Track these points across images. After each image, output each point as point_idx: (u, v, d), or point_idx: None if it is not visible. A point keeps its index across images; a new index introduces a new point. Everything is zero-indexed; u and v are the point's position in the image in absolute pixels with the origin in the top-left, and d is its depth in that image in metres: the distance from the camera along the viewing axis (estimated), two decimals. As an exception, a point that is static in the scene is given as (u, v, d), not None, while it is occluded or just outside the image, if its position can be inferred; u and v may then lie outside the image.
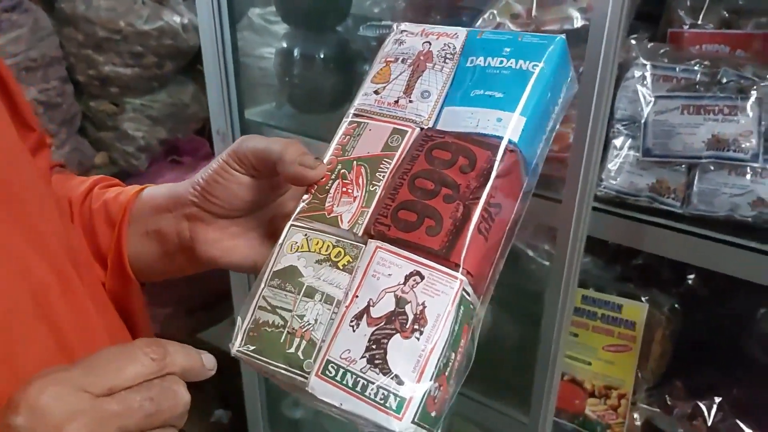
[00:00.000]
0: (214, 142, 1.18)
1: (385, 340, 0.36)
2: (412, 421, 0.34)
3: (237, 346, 0.42)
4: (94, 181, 0.58)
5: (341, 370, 0.36)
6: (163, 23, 1.67)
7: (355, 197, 0.42)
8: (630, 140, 0.77)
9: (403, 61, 0.46)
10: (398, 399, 0.34)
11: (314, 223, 0.43)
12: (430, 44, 0.46)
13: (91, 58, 1.67)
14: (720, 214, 0.73)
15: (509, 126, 0.40)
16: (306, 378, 0.38)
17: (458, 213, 0.38)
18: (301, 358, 0.38)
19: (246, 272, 0.61)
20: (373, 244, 0.40)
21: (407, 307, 0.36)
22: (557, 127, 0.45)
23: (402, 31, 0.48)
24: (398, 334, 0.36)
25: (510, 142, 0.40)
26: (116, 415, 0.32)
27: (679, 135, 0.72)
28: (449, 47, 0.45)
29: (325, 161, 0.45)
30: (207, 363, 0.38)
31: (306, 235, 0.42)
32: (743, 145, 0.70)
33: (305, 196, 0.44)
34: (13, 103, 0.50)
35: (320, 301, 0.39)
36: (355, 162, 0.44)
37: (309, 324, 0.39)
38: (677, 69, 0.73)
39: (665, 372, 0.93)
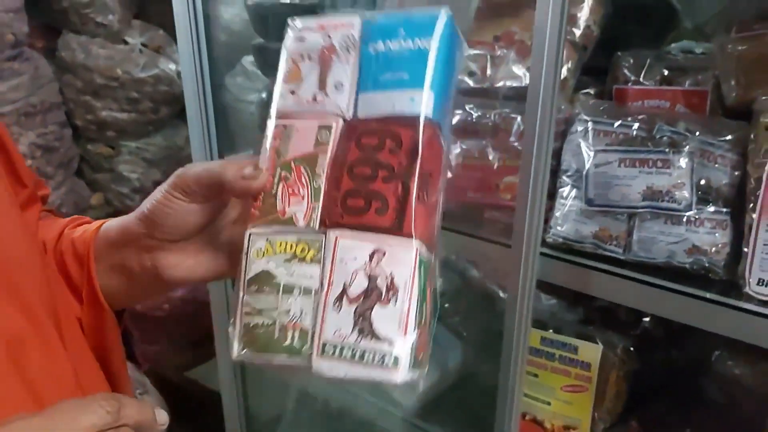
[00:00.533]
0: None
1: (369, 312, 0.41)
2: (408, 370, 0.40)
3: (236, 353, 0.45)
4: (66, 222, 0.61)
5: (338, 347, 0.41)
6: (158, 71, 1.75)
7: (303, 196, 0.45)
8: (575, 190, 0.81)
9: (309, 57, 0.48)
10: (393, 356, 0.40)
11: (273, 226, 0.46)
12: (330, 37, 0.48)
13: (89, 103, 1.74)
14: (659, 261, 0.77)
15: (422, 103, 0.44)
16: (309, 362, 0.42)
17: (399, 190, 0.42)
18: (298, 346, 0.42)
19: (215, 280, 0.63)
20: (332, 234, 0.43)
21: (378, 281, 0.41)
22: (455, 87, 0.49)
23: (300, 29, 0.50)
24: (377, 304, 0.41)
25: (426, 117, 0.44)
26: None
27: (618, 186, 0.77)
28: (349, 38, 0.48)
29: (263, 168, 0.47)
30: (159, 419, 0.41)
31: (267, 239, 0.45)
32: (677, 196, 0.74)
33: (255, 203, 0.47)
34: (9, 160, 0.54)
35: (300, 294, 0.43)
36: (292, 162, 0.46)
37: (296, 316, 0.42)
38: (615, 125, 0.78)
39: (621, 412, 0.96)
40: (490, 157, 0.89)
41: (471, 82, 0.94)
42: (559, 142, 0.85)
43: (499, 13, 0.94)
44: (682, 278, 0.78)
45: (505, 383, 0.91)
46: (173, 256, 0.52)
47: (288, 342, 0.42)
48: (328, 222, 0.44)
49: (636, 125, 0.78)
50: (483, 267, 1.08)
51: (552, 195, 0.84)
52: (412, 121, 0.44)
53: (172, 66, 1.76)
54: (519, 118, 0.84)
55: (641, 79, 0.86)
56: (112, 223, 0.56)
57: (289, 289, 0.43)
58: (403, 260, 0.41)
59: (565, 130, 0.84)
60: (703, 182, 0.75)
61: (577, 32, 0.87)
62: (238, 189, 0.47)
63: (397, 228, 0.42)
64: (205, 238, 0.52)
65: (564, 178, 0.82)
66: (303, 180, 0.46)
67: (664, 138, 0.76)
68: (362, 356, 0.40)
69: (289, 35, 0.50)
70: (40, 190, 0.61)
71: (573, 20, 0.87)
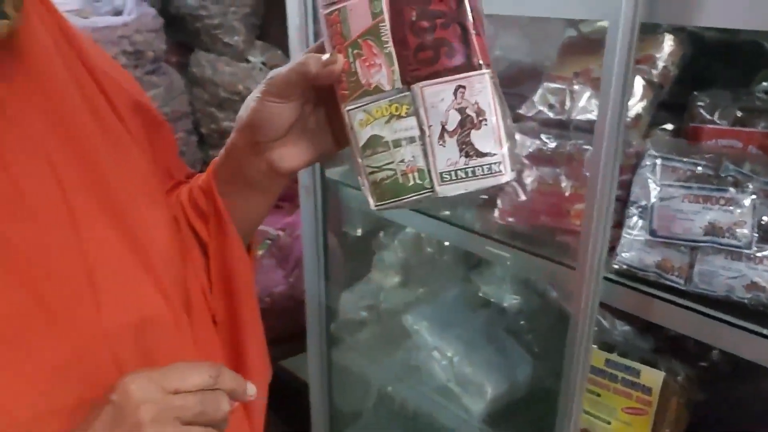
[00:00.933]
0: (300, 195, 1.37)
1: (468, 138, 0.49)
2: (511, 170, 0.49)
3: (373, 204, 0.55)
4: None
5: (453, 172, 0.51)
6: (274, 86, 1.93)
7: (380, 64, 0.51)
8: (641, 221, 0.86)
9: None
10: (498, 163, 0.49)
11: (364, 98, 0.52)
12: None
13: (213, 114, 1.95)
14: (719, 294, 0.80)
15: None
16: (433, 191, 0.52)
17: (458, 30, 0.49)
18: (421, 182, 0.52)
19: (320, 161, 0.68)
20: (416, 87, 0.50)
21: (467, 110, 0.49)
22: None
23: None
24: (473, 129, 0.49)
25: None
26: (176, 407, 0.44)
27: (681, 220, 0.81)
28: None
29: (336, 52, 0.52)
30: (248, 390, 0.51)
31: (364, 110, 0.52)
32: (737, 233, 0.77)
33: (341, 85, 0.54)
34: (163, 156, 0.64)
35: (407, 144, 0.52)
36: (359, 39, 0.51)
37: (411, 161, 0.52)
38: (683, 161, 0.82)
39: (681, 439, 0.98)
40: (563, 185, 0.96)
41: (550, 114, 1.01)
42: (630, 175, 0.90)
43: (581, 51, 1.01)
44: (741, 313, 0.80)
45: (565, 398, 0.97)
46: (279, 151, 0.58)
47: (411, 183, 0.52)
48: (409, 78, 0.51)
49: (703, 163, 0.82)
50: (559, 288, 1.13)
51: (620, 224, 0.89)
52: None
53: (286, 83, 1.93)
54: (590, 150, 0.89)
55: (715, 119, 0.89)
56: (219, 157, 0.62)
57: (397, 143, 0.52)
58: (482, 88, 0.49)
59: (636, 164, 0.89)
60: (764, 221, 0.77)
61: (655, 72, 0.91)
62: (324, 76, 0.52)
63: (468, 64, 0.49)
64: (298, 128, 0.57)
65: (632, 208, 0.87)
66: (374, 51, 0.51)
67: (729, 177, 0.79)
68: (474, 172, 0.50)
69: None
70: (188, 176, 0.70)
71: (651, 60, 0.91)
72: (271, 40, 2.03)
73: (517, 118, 1.07)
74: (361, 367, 1.51)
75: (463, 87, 0.49)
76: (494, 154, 0.49)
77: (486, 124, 0.49)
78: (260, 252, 1.94)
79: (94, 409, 0.44)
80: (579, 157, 0.93)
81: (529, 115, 1.04)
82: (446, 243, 1.42)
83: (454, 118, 0.50)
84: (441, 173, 0.51)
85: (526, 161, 0.98)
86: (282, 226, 1.93)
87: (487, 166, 0.49)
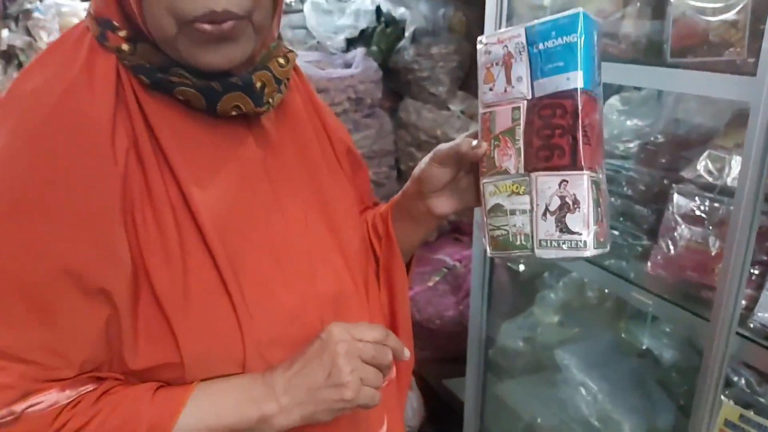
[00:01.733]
0: (474, 231, 1.56)
1: (563, 218, 0.65)
2: (593, 248, 0.64)
3: (489, 252, 0.73)
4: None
5: (548, 241, 0.66)
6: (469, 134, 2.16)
7: (510, 155, 0.69)
8: (781, 285, 0.91)
9: (496, 63, 0.70)
10: (583, 241, 0.64)
11: (495, 177, 0.70)
12: (507, 46, 0.69)
13: (413, 154, 2.23)
14: None
15: (576, 80, 0.64)
16: (532, 252, 0.68)
17: (570, 141, 0.64)
18: (525, 243, 0.68)
19: (467, 211, 0.88)
20: (533, 175, 0.67)
21: (567, 199, 0.65)
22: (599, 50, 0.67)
23: (485, 44, 0.72)
24: (568, 213, 0.64)
25: (579, 89, 0.64)
26: (359, 349, 0.64)
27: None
28: (519, 44, 0.68)
29: (483, 141, 0.72)
30: (405, 353, 0.71)
31: (494, 184, 0.71)
32: None
33: (482, 163, 0.72)
34: (361, 188, 0.88)
35: (520, 214, 0.69)
36: (500, 135, 0.70)
37: (520, 227, 0.68)
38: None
39: None
40: (711, 245, 1.04)
41: (709, 179, 1.09)
42: (777, 241, 0.96)
43: (745, 124, 1.08)
44: None
45: (694, 444, 1.03)
46: (436, 200, 0.79)
47: (518, 242, 0.69)
48: (529, 168, 0.68)
49: None
50: (696, 340, 1.18)
51: (760, 285, 0.96)
52: (570, 93, 0.65)
53: (479, 130, 2.15)
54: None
55: None
56: (396, 196, 0.85)
57: (513, 212, 0.70)
58: (580, 184, 0.64)
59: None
60: None
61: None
62: (471, 156, 0.72)
63: (573, 165, 0.65)
64: (452, 186, 0.78)
65: (772, 272, 0.93)
66: (508, 144, 0.70)
67: None
68: (564, 244, 0.66)
69: (480, 50, 0.72)
70: (377, 204, 0.94)
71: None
72: (473, 91, 2.26)
73: (679, 180, 1.16)
74: (512, 394, 1.64)
75: (566, 181, 0.65)
76: (581, 234, 0.64)
77: (578, 211, 0.64)
78: (436, 278, 2.16)
79: (306, 343, 0.65)
80: (728, 220, 1.01)
81: (689, 177, 1.13)
82: (606, 291, 1.51)
83: (555, 202, 0.66)
84: (540, 240, 0.67)
85: (605, 235, 1.06)
86: (459, 258, 2.13)
87: (575, 242, 0.64)
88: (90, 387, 0.59)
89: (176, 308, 0.59)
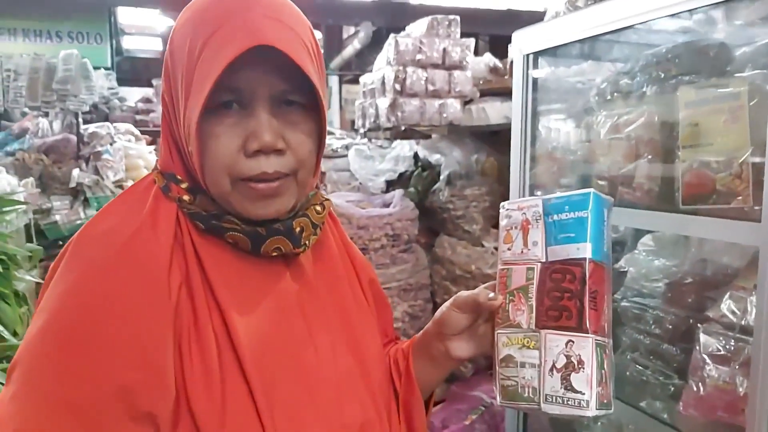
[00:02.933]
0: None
1: (569, 377, 0.68)
2: (595, 409, 0.67)
3: (498, 401, 0.75)
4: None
5: (554, 396, 0.69)
6: (501, 269, 2.23)
7: (523, 310, 0.74)
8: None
9: (515, 227, 0.77)
10: (585, 401, 0.67)
11: (509, 329, 0.75)
12: (525, 213, 0.76)
13: (448, 287, 2.30)
14: None
15: (585, 250, 0.71)
16: (539, 406, 0.71)
17: (577, 304, 0.70)
18: (532, 396, 0.71)
19: (482, 356, 0.87)
20: (543, 332, 0.71)
21: (572, 359, 0.69)
22: (609, 225, 0.74)
23: (507, 209, 0.79)
24: (573, 372, 0.68)
25: (588, 258, 0.70)
26: None
27: None
28: (536, 213, 0.75)
29: (499, 294, 0.77)
30: None
31: (507, 336, 0.75)
32: None
33: (497, 315, 0.77)
34: (384, 321, 0.93)
35: (529, 367, 0.72)
36: (515, 291, 0.75)
37: (529, 380, 0.71)
38: None
39: None
40: (738, 384, 1.05)
41: (733, 319, 1.13)
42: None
43: (760, 266, 1.13)
44: None
45: None
46: (455, 343, 0.81)
47: (526, 395, 0.73)
48: (539, 325, 0.73)
49: None
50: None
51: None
52: (580, 262, 0.71)
53: (512, 267, 2.21)
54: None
55: None
56: (418, 335, 0.88)
57: (522, 365, 0.73)
58: (585, 346, 0.69)
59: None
60: None
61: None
62: (486, 307, 0.77)
63: (579, 327, 0.70)
64: (470, 331, 0.81)
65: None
66: (522, 300, 0.75)
67: None
68: (568, 402, 0.69)
69: (502, 214, 0.80)
70: (397, 339, 0.98)
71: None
72: (504, 230, 2.35)
73: (704, 320, 1.19)
74: None
75: (572, 341, 0.70)
76: (584, 394, 0.68)
77: (583, 371, 0.69)
78: (473, 417, 2.13)
79: None
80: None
81: (714, 317, 1.16)
82: None
83: (562, 360, 0.71)
84: (546, 395, 0.71)
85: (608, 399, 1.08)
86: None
87: (578, 401, 0.68)
88: None
89: None
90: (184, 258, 0.67)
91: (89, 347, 0.60)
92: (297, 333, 0.73)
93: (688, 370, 1.18)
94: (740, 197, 1.02)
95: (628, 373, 1.35)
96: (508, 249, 0.78)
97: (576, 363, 0.69)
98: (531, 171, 1.54)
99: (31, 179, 3.17)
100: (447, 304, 0.83)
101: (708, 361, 1.12)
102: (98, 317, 0.61)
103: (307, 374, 0.71)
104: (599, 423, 1.61)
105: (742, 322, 1.09)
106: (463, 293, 0.82)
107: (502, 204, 0.81)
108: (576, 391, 0.68)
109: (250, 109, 0.65)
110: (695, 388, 1.14)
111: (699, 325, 1.19)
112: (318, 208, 0.76)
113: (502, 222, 0.80)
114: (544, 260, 0.74)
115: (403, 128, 2.18)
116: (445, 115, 2.16)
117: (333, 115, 7.51)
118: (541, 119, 1.54)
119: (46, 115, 4.66)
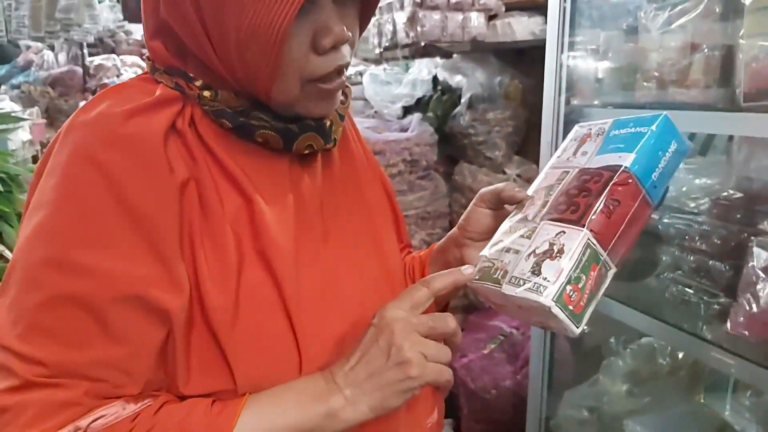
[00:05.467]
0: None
1: (541, 262, 0.61)
2: (552, 299, 0.58)
3: (473, 279, 0.71)
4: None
5: (518, 279, 0.62)
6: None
7: (537, 205, 0.69)
8: None
9: (575, 140, 0.75)
10: (544, 287, 0.59)
11: (514, 218, 0.71)
12: (591, 129, 0.74)
13: (467, 216, 2.21)
14: None
15: (625, 159, 0.65)
16: (500, 286, 0.64)
17: (587, 201, 0.63)
18: (500, 279, 0.64)
19: None
20: (542, 222, 0.66)
21: (554, 247, 0.62)
22: (672, 169, 0.67)
23: (578, 126, 0.77)
24: (548, 259, 0.61)
25: (624, 167, 0.64)
26: (414, 323, 0.61)
27: None
28: (601, 128, 0.72)
29: (523, 189, 0.74)
30: (465, 271, 0.66)
31: (510, 224, 0.70)
32: None
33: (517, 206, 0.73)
34: (396, 220, 0.89)
35: (512, 253, 0.66)
36: (540, 189, 0.71)
37: (505, 264, 0.65)
38: None
39: None
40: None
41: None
42: None
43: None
44: None
45: None
46: (473, 250, 0.77)
47: (495, 276, 0.65)
48: (544, 218, 0.67)
49: None
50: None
51: None
52: (615, 168, 0.65)
53: (537, 194, 2.11)
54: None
55: None
56: (441, 240, 0.85)
57: (507, 250, 0.67)
58: (574, 238, 0.61)
59: None
60: None
61: None
62: (507, 195, 0.73)
63: (577, 221, 0.63)
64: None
65: None
66: (540, 196, 0.70)
67: None
68: (528, 285, 0.61)
69: (572, 131, 0.78)
70: (409, 246, 0.95)
71: None
72: (529, 156, 2.25)
73: (758, 233, 1.09)
74: (576, 469, 1.51)
75: (564, 232, 0.63)
76: (548, 280, 0.60)
77: (558, 260, 0.61)
78: (492, 346, 2.07)
79: (363, 335, 0.63)
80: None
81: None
82: (680, 356, 1.41)
83: (544, 247, 0.63)
84: (512, 277, 0.64)
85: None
86: (516, 325, 2.05)
87: (537, 285, 0.60)
88: (149, 401, 0.58)
89: (228, 334, 0.59)
90: (188, 153, 0.61)
91: (90, 245, 0.55)
92: (317, 232, 0.68)
93: (738, 288, 1.08)
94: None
95: (667, 295, 1.26)
96: (557, 157, 0.76)
97: (556, 251, 0.62)
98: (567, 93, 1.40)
99: (36, 108, 3.07)
100: (473, 201, 0.79)
101: (762, 275, 1.03)
102: (97, 210, 0.56)
103: (329, 272, 0.67)
104: (628, 349, 1.53)
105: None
106: (490, 186, 0.77)
107: (578, 124, 0.79)
108: (540, 276, 0.60)
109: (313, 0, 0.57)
110: (746, 306, 1.05)
111: (752, 238, 1.09)
112: (341, 97, 0.70)
113: (568, 136, 0.77)
114: (583, 165, 0.70)
115: (422, 44, 2.04)
116: (468, 30, 2.01)
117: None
118: (577, 29, 1.40)
119: (52, 48, 4.56)
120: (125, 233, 0.56)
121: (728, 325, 1.08)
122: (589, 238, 0.62)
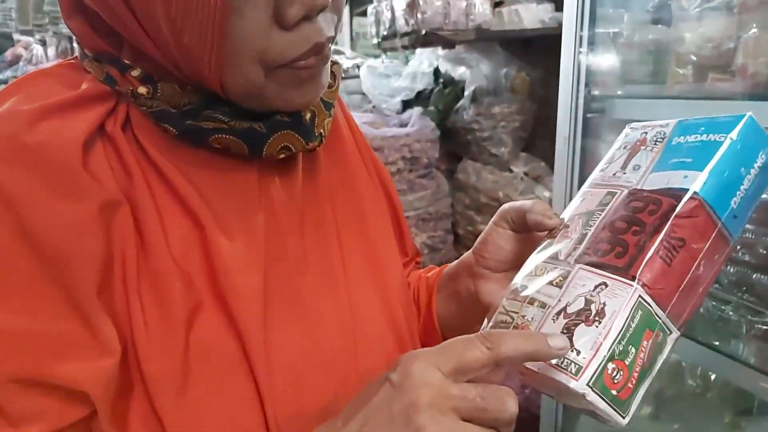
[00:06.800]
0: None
1: (574, 327, 0.45)
2: (587, 384, 0.42)
3: (485, 328, 0.56)
4: (425, 270, 0.78)
5: None
6: (533, 196, 1.98)
7: (571, 239, 0.53)
8: None
9: (625, 147, 0.58)
10: (576, 366, 0.43)
11: (540, 255, 0.54)
12: (646, 133, 0.57)
13: (472, 217, 2.07)
14: None
15: (694, 181, 0.48)
16: None
17: (640, 241, 0.47)
18: None
19: None
20: (577, 266, 0.49)
21: (592, 306, 0.45)
22: (760, 190, 0.50)
23: (629, 128, 0.60)
24: (583, 324, 0.44)
25: (692, 192, 0.47)
26: (454, 397, 0.40)
27: None
28: (660, 134, 0.56)
29: (557, 217, 0.57)
30: (554, 343, 0.42)
31: (536, 265, 0.54)
32: None
33: (547, 235, 0.57)
34: (401, 232, 0.74)
35: (537, 307, 0.50)
36: (577, 215, 0.55)
37: (527, 321, 0.49)
38: None
39: None
40: None
41: None
42: None
43: None
44: None
45: None
46: (490, 284, 0.62)
47: None
48: (579, 260, 0.50)
49: None
50: None
51: None
52: (678, 193, 0.48)
53: (546, 193, 1.97)
54: None
55: None
56: (452, 263, 0.70)
57: (531, 301, 0.51)
58: (619, 295, 0.45)
59: None
60: None
61: None
62: (534, 220, 0.56)
63: (625, 269, 0.46)
64: (507, 278, 0.60)
65: None
66: (577, 228, 0.54)
67: None
68: (555, 360, 0.44)
69: (623, 132, 0.61)
70: (417, 258, 0.79)
71: None
72: (536, 152, 2.11)
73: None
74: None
75: (605, 285, 0.46)
76: (582, 356, 0.43)
77: (596, 327, 0.44)
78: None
79: (370, 386, 0.44)
80: None
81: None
82: (712, 377, 1.27)
83: (578, 304, 0.46)
84: None
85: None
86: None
87: (569, 362, 0.43)
88: None
89: (172, 410, 0.44)
90: (121, 165, 0.47)
91: None
92: (294, 262, 0.54)
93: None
94: None
95: (702, 310, 1.12)
96: (601, 171, 0.59)
97: (594, 312, 0.45)
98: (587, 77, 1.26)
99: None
100: (491, 222, 0.63)
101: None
102: None
103: (310, 316, 0.53)
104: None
105: None
106: (515, 202, 0.61)
107: (628, 125, 0.61)
108: (572, 347, 0.44)
109: None
110: (800, 328, 0.90)
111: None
112: (328, 80, 0.53)
113: (617, 141, 0.60)
114: (637, 187, 0.53)
115: (423, 33, 1.89)
116: (472, 17, 1.86)
117: (343, 49, 7.18)
118: (598, 8, 1.25)
119: (43, 42, 4.42)
120: (27, 281, 0.42)
121: (776, 347, 0.93)
122: (640, 296, 0.45)
